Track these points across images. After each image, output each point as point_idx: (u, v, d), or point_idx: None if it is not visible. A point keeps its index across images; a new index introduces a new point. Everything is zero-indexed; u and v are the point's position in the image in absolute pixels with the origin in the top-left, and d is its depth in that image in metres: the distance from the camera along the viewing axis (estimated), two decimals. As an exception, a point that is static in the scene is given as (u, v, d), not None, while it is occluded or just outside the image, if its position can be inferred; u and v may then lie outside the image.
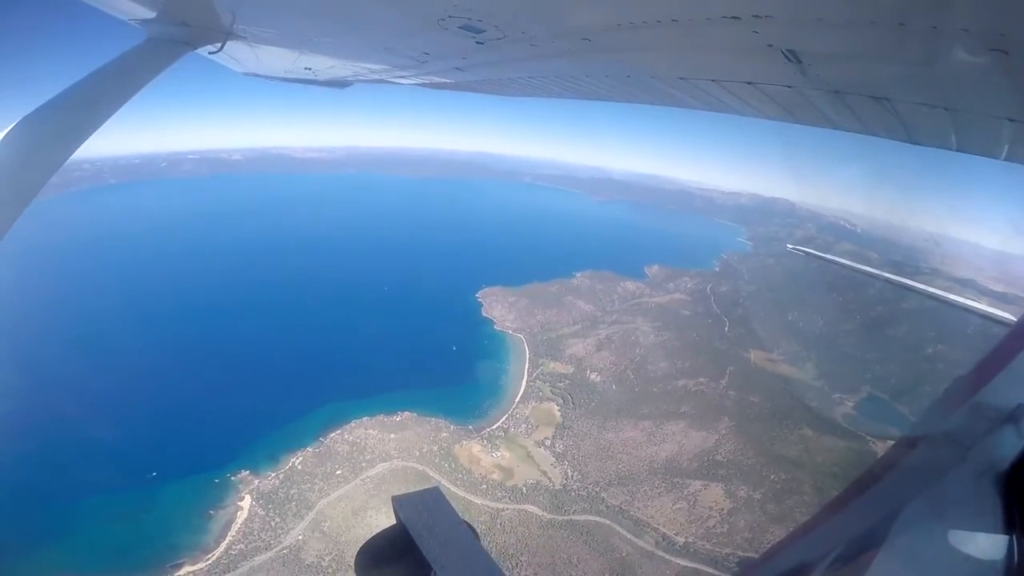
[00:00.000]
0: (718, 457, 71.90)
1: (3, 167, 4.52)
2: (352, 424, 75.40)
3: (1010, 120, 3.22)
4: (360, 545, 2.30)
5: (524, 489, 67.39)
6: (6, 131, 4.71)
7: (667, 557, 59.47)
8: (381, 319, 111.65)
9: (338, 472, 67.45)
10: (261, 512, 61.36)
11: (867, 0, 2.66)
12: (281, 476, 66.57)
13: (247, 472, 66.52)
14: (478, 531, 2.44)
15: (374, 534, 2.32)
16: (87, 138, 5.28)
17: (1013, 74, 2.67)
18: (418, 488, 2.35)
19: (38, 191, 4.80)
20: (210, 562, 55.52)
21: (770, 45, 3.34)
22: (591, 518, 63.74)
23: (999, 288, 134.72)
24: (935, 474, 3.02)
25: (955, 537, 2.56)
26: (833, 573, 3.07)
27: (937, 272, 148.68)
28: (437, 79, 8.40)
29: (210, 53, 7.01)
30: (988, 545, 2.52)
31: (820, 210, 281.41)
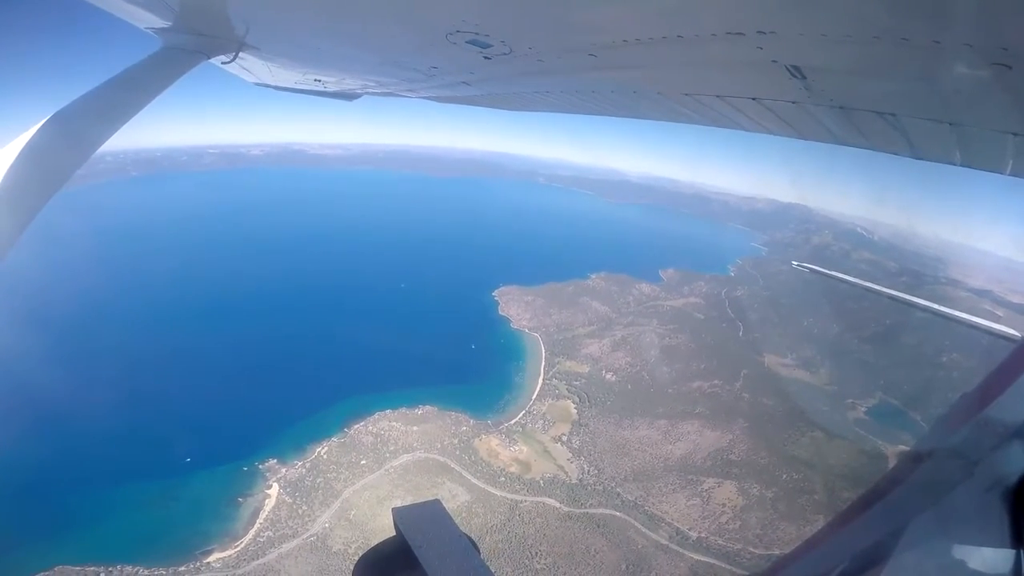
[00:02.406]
0: (732, 456, 72.03)
1: (32, 160, 4.69)
2: (375, 416, 76.61)
3: (1014, 135, 3.20)
4: (366, 549, 2.27)
5: (541, 482, 68.08)
6: (36, 127, 4.89)
7: (681, 551, 60.07)
8: (400, 315, 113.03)
9: (363, 462, 68.52)
10: (288, 500, 62.61)
11: (870, 16, 2.66)
12: (307, 465, 67.78)
13: (275, 461, 67.87)
14: (478, 544, 2.39)
15: (373, 545, 2.29)
16: (106, 140, 5.44)
17: (1016, 89, 2.67)
18: (426, 489, 2.35)
19: (63, 184, 4.98)
20: (239, 549, 56.69)
21: (774, 61, 3.35)
22: (607, 511, 64.34)
23: (1016, 300, 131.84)
24: (942, 489, 3.01)
25: (961, 552, 2.56)
26: None
27: (955, 283, 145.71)
28: (445, 93, 8.48)
29: (223, 63, 7.18)
30: (994, 560, 2.51)
31: (837, 216, 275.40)
